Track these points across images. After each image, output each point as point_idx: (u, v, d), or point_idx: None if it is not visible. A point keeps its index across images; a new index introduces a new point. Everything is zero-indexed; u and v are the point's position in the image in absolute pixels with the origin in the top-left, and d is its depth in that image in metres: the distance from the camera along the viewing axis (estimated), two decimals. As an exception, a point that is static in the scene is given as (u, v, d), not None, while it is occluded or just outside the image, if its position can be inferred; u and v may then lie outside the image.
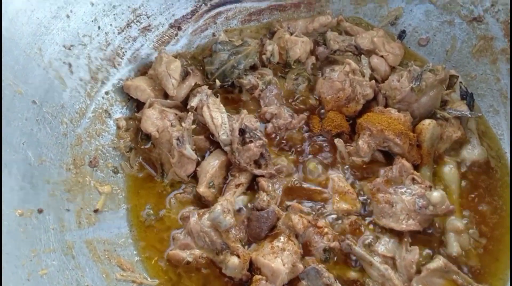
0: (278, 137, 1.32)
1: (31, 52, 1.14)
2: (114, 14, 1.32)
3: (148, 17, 1.38)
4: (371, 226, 1.20)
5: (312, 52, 1.45)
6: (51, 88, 1.18)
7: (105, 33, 1.31)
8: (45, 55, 1.18)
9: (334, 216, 1.21)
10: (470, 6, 1.38)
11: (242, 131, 1.23)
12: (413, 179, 1.19)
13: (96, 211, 1.19)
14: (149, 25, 1.39)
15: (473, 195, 1.27)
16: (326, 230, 1.15)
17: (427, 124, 1.27)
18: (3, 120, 1.05)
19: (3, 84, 1.06)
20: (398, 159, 1.23)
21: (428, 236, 1.20)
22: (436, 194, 1.12)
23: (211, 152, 1.30)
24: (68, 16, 1.22)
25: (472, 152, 1.30)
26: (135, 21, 1.36)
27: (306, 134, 1.33)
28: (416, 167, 1.27)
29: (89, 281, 1.08)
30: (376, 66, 1.40)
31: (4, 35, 1.08)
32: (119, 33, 1.34)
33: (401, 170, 1.20)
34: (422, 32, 1.47)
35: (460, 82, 1.38)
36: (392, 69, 1.42)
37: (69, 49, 1.23)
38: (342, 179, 1.25)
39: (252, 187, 1.27)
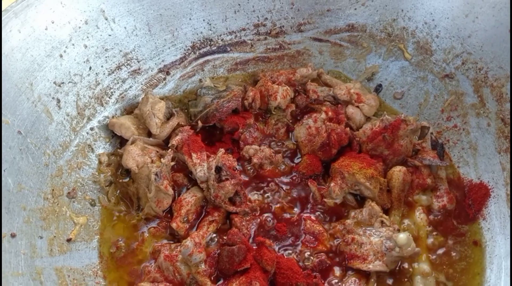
0: (256, 173, 1.37)
1: (22, 86, 1.21)
2: (106, 57, 1.40)
3: (138, 61, 1.47)
4: (339, 266, 1.21)
5: (292, 100, 1.53)
6: (37, 121, 1.24)
7: (96, 73, 1.39)
8: (36, 90, 1.24)
9: (304, 253, 1.22)
10: (442, 64, 1.46)
11: (218, 169, 1.27)
12: (382, 222, 1.22)
13: (69, 240, 1.20)
14: (139, 69, 1.47)
15: (441, 241, 1.28)
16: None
17: (398, 170, 1.31)
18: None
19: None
20: (368, 202, 1.26)
21: (396, 278, 1.20)
22: (403, 236, 1.15)
23: (188, 189, 1.34)
24: (61, 56, 1.30)
25: (441, 199, 1.33)
26: (125, 64, 1.44)
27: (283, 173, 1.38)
28: (386, 211, 1.29)
29: (54, 306, 1.08)
30: (352, 115, 1.46)
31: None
32: (109, 74, 1.41)
33: (371, 212, 1.23)
34: (397, 87, 1.54)
35: (431, 133, 1.43)
36: (367, 119, 1.49)
37: (59, 86, 1.30)
38: (314, 219, 1.27)
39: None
